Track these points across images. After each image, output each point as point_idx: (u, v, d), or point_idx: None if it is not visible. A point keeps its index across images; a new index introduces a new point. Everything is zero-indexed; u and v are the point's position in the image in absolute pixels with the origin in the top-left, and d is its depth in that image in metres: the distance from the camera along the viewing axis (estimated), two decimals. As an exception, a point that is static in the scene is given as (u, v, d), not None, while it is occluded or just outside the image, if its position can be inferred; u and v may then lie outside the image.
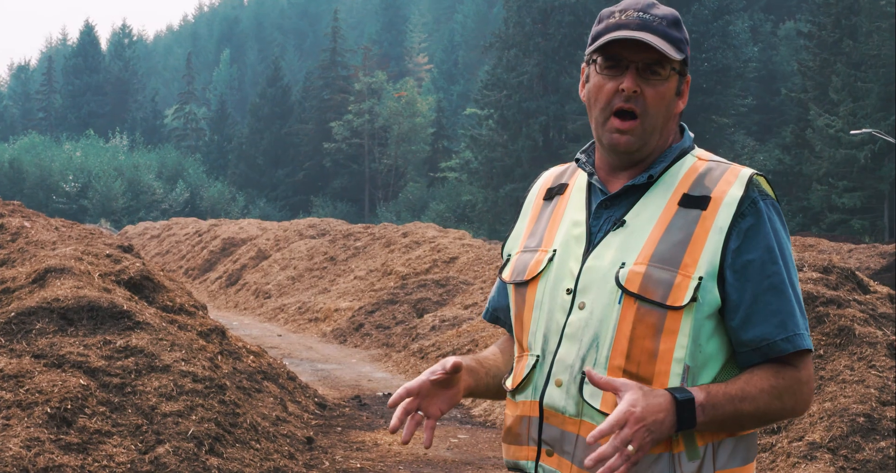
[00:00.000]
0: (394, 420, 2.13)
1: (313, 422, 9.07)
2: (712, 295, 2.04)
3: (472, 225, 60.10)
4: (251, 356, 9.37)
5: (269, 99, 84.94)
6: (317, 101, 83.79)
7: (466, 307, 15.05)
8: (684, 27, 2.19)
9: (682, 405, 1.97)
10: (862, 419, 6.42)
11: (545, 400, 2.13)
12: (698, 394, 2.00)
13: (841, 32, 50.26)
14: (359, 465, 7.60)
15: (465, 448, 8.47)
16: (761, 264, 2.06)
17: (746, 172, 2.13)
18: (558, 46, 62.51)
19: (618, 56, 2.13)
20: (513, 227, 2.39)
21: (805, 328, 2.09)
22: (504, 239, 2.38)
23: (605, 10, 2.18)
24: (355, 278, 20.45)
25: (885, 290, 8.64)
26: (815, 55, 51.38)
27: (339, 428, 9.06)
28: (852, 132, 41.96)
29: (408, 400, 2.15)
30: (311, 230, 27.77)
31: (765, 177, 2.16)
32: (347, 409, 10.07)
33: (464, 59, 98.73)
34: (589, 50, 2.15)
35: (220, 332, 8.94)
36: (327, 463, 7.54)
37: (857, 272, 8.68)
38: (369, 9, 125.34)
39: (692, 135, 2.25)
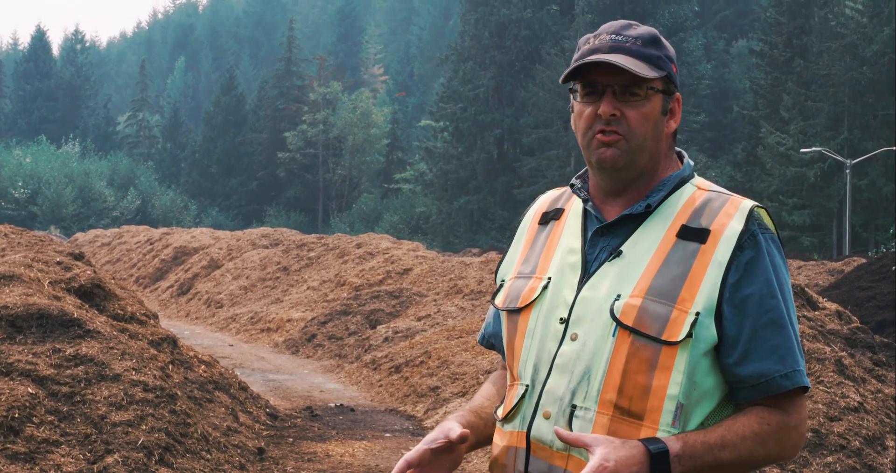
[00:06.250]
0: None
1: (264, 433, 9.01)
2: (709, 332, 2.00)
3: (425, 237, 60.16)
4: (202, 366, 9.29)
5: (224, 108, 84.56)
6: (271, 110, 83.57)
7: (419, 319, 15.04)
8: (666, 44, 2.16)
9: (656, 457, 1.92)
10: (810, 434, 6.50)
11: (532, 432, 2.08)
12: (674, 445, 1.94)
13: (792, 52, 51.00)
14: (310, 476, 7.56)
15: (417, 460, 8.44)
16: (760, 298, 2.01)
17: (747, 204, 2.09)
18: (514, 60, 62.87)
19: (594, 82, 2.10)
20: (506, 252, 2.33)
21: (803, 366, 2.04)
22: (498, 264, 2.33)
23: (583, 38, 2.17)
24: (308, 288, 20.37)
25: (833, 307, 8.75)
26: (767, 74, 52.10)
27: (291, 439, 9.01)
28: (802, 150, 42.59)
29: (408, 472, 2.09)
30: (265, 240, 27.62)
31: (766, 210, 2.11)
32: (299, 420, 10.02)
33: (419, 71, 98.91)
34: (562, 79, 2.13)
35: (172, 341, 8.86)
36: (278, 475, 7.50)
37: (806, 289, 8.79)
38: (325, 19, 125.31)
39: (692, 163, 2.21)
